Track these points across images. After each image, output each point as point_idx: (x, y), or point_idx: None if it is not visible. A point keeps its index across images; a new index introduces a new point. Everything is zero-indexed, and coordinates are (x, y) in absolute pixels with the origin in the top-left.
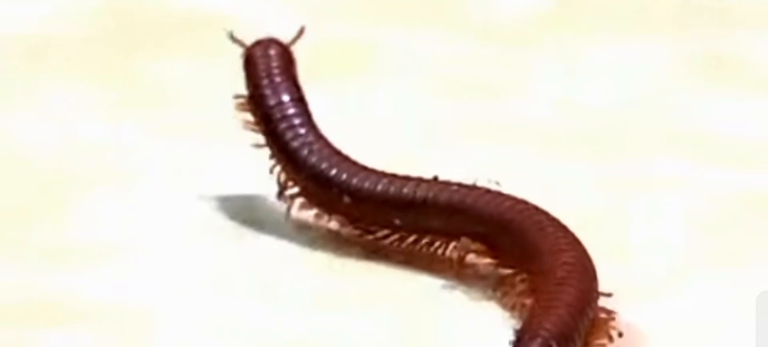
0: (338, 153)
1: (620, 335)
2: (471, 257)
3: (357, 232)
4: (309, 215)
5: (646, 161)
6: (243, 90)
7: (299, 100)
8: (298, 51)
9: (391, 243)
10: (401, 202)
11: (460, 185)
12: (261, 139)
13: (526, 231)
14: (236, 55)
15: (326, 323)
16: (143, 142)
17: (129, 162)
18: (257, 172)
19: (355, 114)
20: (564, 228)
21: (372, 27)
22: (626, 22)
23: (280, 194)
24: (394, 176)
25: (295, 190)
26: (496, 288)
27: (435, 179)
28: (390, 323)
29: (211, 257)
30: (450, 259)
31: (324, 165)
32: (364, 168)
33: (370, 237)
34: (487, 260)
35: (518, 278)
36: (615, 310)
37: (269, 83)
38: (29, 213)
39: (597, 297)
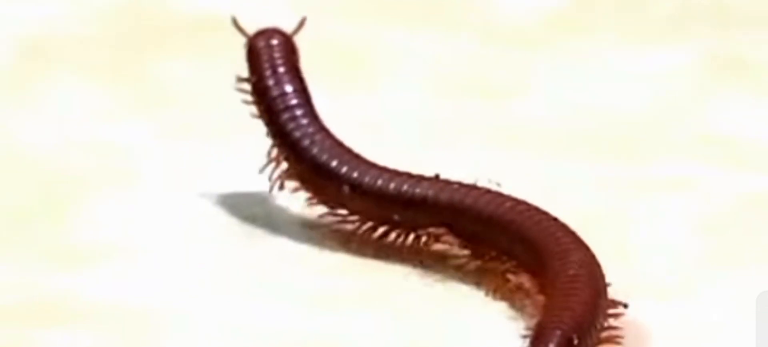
0: (340, 145)
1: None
2: (470, 256)
3: (358, 231)
4: (311, 215)
5: (646, 161)
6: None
7: (302, 90)
8: (299, 48)
9: (390, 240)
10: (400, 198)
11: (460, 184)
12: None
13: (531, 232)
14: (240, 56)
15: (326, 323)
16: (145, 142)
17: (131, 162)
18: (259, 173)
19: (355, 114)
20: (566, 227)
21: (372, 26)
22: (627, 24)
23: (273, 180)
24: (395, 171)
25: (291, 178)
26: (496, 287)
27: (436, 177)
28: (390, 323)
29: (211, 257)
30: (450, 259)
31: (325, 156)
32: (366, 162)
33: (371, 234)
34: (488, 260)
35: (515, 272)
36: (622, 303)
37: (272, 74)
38: (31, 213)
39: (607, 294)
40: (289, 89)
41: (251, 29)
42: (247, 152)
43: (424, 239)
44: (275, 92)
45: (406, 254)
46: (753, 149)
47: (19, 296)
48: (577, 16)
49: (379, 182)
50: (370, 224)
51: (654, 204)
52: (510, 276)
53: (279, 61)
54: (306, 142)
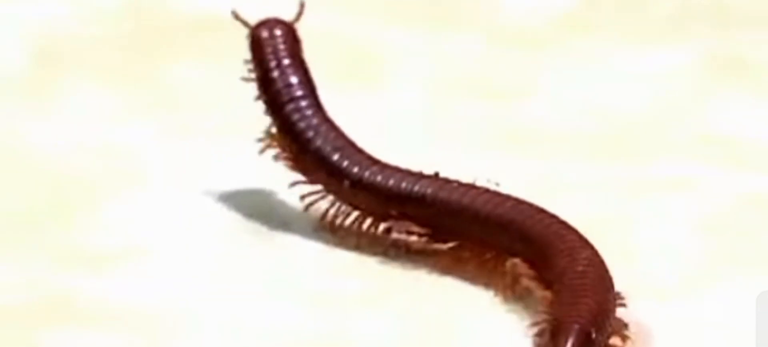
0: (344, 138)
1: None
2: (469, 257)
3: (362, 228)
4: (317, 215)
5: (650, 163)
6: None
7: (307, 82)
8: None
9: (395, 240)
10: (400, 195)
11: (461, 183)
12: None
13: (534, 229)
14: (246, 56)
15: (333, 322)
16: (154, 144)
17: (140, 164)
18: (269, 174)
19: (359, 112)
20: (568, 225)
21: (377, 25)
22: (627, 24)
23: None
24: (397, 168)
25: (295, 169)
26: (501, 286)
27: (436, 175)
28: (397, 323)
29: (219, 258)
30: (451, 258)
31: (328, 148)
32: (369, 157)
33: (376, 233)
34: (492, 259)
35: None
36: (627, 299)
37: (277, 65)
38: (40, 214)
39: (614, 290)
40: (294, 80)
41: (252, 23)
42: (255, 153)
43: (426, 239)
44: (280, 84)
45: (412, 254)
46: (753, 149)
47: (29, 296)
48: (580, 16)
49: (380, 177)
50: (371, 219)
51: (654, 204)
52: (514, 274)
53: (283, 52)
54: (310, 133)
